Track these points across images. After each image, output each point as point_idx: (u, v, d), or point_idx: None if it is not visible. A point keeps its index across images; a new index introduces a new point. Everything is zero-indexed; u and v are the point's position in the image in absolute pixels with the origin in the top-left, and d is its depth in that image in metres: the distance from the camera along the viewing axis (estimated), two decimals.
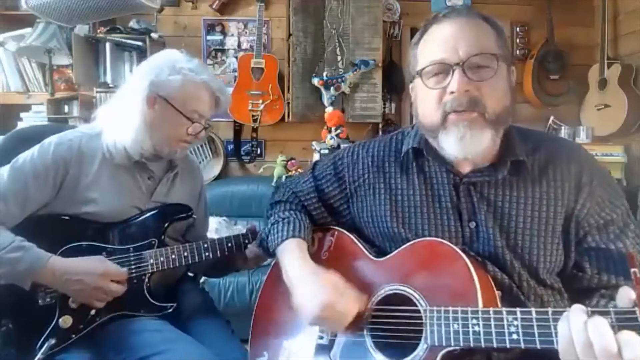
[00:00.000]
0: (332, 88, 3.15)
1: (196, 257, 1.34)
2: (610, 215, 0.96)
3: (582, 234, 0.97)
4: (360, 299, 0.98)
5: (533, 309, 0.78)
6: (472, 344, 0.82)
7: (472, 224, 0.99)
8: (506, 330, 0.78)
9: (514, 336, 0.78)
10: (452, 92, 0.91)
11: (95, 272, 1.21)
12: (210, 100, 1.38)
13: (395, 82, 3.44)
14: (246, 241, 1.41)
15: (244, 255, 1.42)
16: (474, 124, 0.91)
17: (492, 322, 0.80)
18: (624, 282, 0.91)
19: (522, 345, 0.77)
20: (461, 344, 0.83)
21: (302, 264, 1.05)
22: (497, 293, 0.89)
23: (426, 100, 0.97)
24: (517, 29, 3.51)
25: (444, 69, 0.93)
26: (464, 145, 0.92)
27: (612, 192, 0.98)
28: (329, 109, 3.10)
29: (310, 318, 0.97)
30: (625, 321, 0.68)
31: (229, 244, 1.39)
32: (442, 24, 0.96)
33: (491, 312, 0.81)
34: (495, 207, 0.98)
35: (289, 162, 3.21)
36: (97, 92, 3.10)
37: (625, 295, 0.71)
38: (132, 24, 3.20)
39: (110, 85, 3.15)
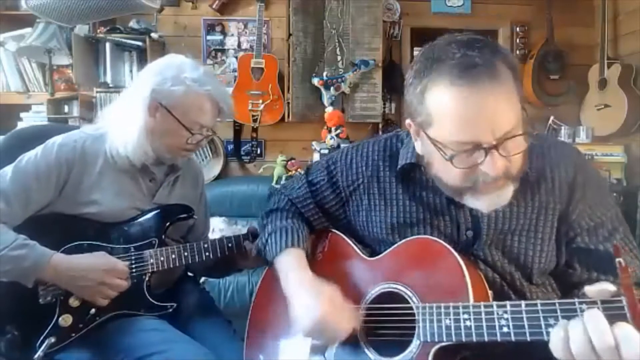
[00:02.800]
0: (332, 88, 3.15)
1: (196, 257, 1.34)
2: (601, 218, 0.97)
3: (572, 235, 0.97)
4: (355, 316, 0.98)
5: (522, 302, 0.79)
6: (464, 339, 0.82)
7: (470, 233, 0.99)
8: (497, 324, 0.79)
9: (505, 329, 0.79)
10: (485, 172, 0.84)
11: (98, 268, 1.22)
12: (212, 111, 1.36)
13: (395, 82, 3.44)
14: (247, 241, 1.40)
15: (245, 255, 1.42)
16: (502, 187, 0.88)
17: (483, 316, 0.81)
18: (613, 280, 0.91)
19: (513, 338, 0.78)
20: (453, 339, 0.84)
21: (300, 275, 1.05)
22: (490, 293, 0.90)
23: (448, 171, 0.88)
24: (517, 29, 3.51)
25: (474, 147, 0.83)
26: (491, 206, 0.90)
27: (604, 194, 1.00)
28: (329, 109, 3.10)
29: (304, 330, 0.98)
30: (612, 310, 0.69)
31: (229, 244, 1.39)
32: (463, 89, 0.81)
33: (482, 307, 0.82)
34: (497, 213, 0.97)
35: (289, 162, 3.21)
36: (97, 92, 3.11)
37: (591, 292, 0.73)
38: (132, 24, 3.20)
39: (110, 85, 3.15)
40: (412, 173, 1.04)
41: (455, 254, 0.90)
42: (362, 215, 1.10)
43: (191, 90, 1.30)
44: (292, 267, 1.07)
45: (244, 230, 1.45)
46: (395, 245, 1.02)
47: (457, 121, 0.83)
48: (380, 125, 3.38)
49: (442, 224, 1.01)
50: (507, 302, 0.80)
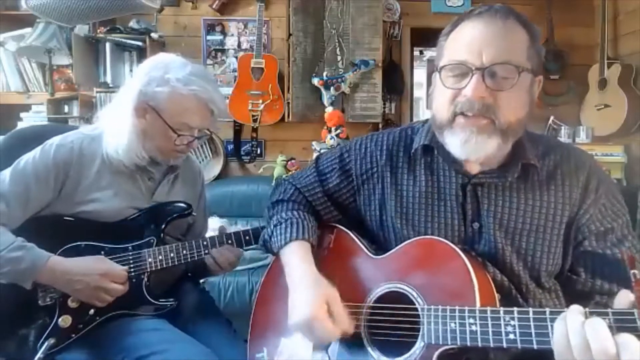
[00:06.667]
0: (332, 88, 3.15)
1: (195, 255, 1.34)
2: (611, 224, 0.97)
3: (581, 239, 0.97)
4: (347, 322, 0.96)
5: (530, 309, 0.77)
6: (468, 343, 0.82)
7: (476, 225, 0.99)
8: (503, 330, 0.78)
9: (511, 336, 0.77)
10: (466, 95, 0.89)
11: (94, 272, 1.22)
12: (200, 111, 1.32)
13: (395, 82, 3.44)
14: (247, 237, 1.39)
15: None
16: (482, 130, 0.90)
17: (489, 322, 0.80)
18: (618, 288, 0.90)
19: (519, 346, 0.77)
20: (458, 343, 0.83)
21: (304, 269, 1.04)
22: (497, 296, 0.89)
23: (440, 96, 0.95)
24: None
25: (464, 71, 0.90)
26: (468, 149, 0.92)
27: (616, 202, 0.99)
28: (329, 109, 3.10)
29: (293, 325, 0.98)
30: (624, 322, 0.68)
31: (229, 241, 1.39)
32: (475, 22, 0.92)
33: (488, 312, 0.81)
34: (503, 209, 0.98)
35: (289, 162, 3.21)
36: (97, 92, 3.11)
37: (623, 298, 0.71)
38: (132, 24, 3.20)
39: (110, 85, 3.15)
40: (424, 158, 1.05)
41: (463, 255, 0.89)
42: (375, 205, 1.10)
43: (175, 91, 1.28)
44: (295, 260, 1.06)
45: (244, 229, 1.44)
46: (402, 244, 1.01)
47: (458, 43, 0.93)
48: (380, 126, 3.37)
49: (450, 215, 1.01)
50: (515, 308, 0.79)
